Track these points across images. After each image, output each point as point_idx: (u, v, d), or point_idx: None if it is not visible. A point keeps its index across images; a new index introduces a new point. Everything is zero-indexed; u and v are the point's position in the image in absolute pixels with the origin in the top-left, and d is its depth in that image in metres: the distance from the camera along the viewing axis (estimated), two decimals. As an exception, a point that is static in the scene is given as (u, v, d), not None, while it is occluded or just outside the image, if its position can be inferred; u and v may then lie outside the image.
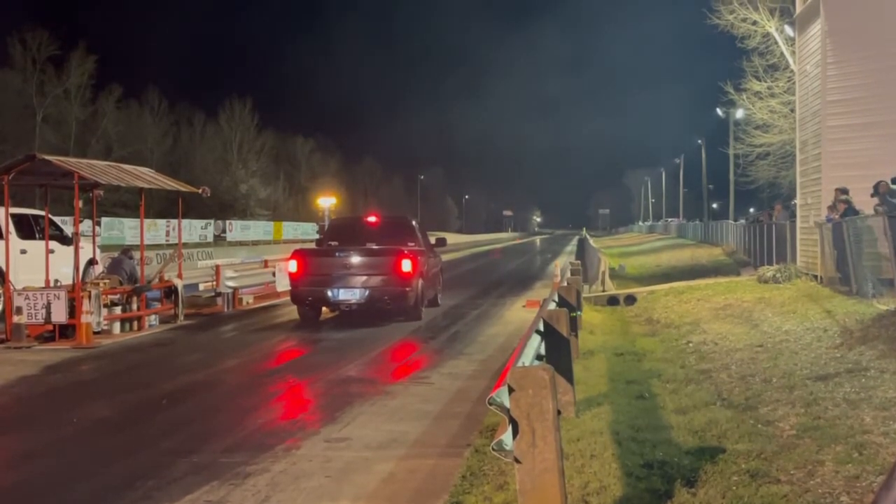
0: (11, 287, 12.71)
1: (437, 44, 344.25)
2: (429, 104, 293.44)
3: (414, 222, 16.91)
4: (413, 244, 15.34)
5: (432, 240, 17.91)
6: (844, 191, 13.85)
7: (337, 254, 14.31)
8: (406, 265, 13.95)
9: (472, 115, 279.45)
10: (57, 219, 20.89)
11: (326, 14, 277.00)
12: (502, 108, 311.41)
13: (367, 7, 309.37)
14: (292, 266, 14.26)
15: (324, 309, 14.93)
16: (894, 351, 7.98)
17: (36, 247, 15.26)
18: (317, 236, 33.98)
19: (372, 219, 16.66)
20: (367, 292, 13.88)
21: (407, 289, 13.96)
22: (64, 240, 16.52)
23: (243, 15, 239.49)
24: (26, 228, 15.79)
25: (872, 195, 13.06)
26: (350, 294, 13.93)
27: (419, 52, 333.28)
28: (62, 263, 15.19)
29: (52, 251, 14.99)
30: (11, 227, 15.07)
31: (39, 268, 14.02)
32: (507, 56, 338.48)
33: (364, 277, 13.96)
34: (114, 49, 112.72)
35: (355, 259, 14.08)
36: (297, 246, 31.57)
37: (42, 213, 16.19)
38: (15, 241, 14.98)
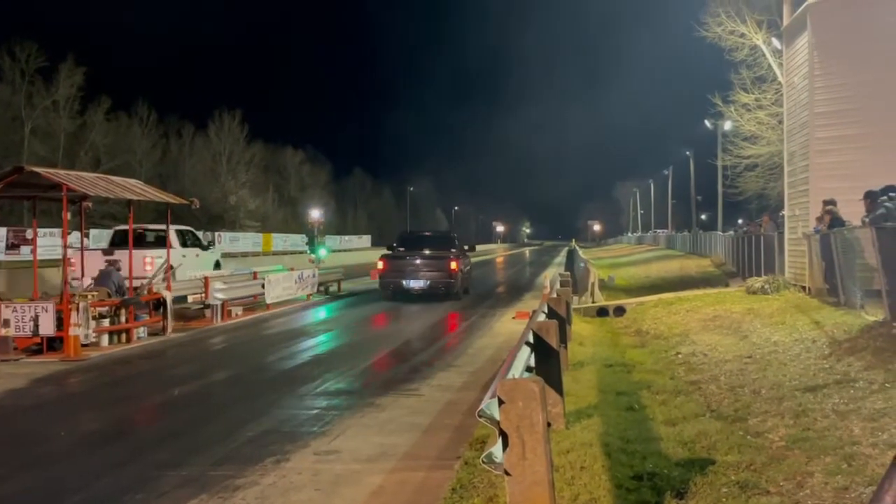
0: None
1: (425, 54, 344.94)
2: (419, 116, 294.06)
3: (453, 235, 25.01)
4: (455, 250, 22.17)
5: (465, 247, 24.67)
6: (832, 202, 13.91)
7: (407, 257, 21.45)
8: (453, 265, 21.00)
9: (461, 126, 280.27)
10: (46, 230, 27.10)
11: (317, 23, 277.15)
12: (491, 119, 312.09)
13: (361, 14, 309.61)
14: (380, 265, 21.39)
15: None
16: (882, 362, 8.00)
17: (189, 253, 21.20)
18: (306, 248, 42.92)
19: (427, 233, 25.49)
20: (428, 282, 20.87)
21: (453, 280, 21.02)
22: (204, 247, 23.06)
23: (231, 26, 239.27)
24: (183, 239, 21.49)
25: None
26: (417, 283, 20.91)
27: (408, 62, 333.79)
28: (199, 266, 21.01)
29: (196, 256, 21.59)
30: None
31: (192, 270, 19.62)
32: (498, 67, 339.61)
33: (426, 272, 20.96)
34: (103, 61, 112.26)
35: (419, 261, 21.25)
36: (287, 258, 42.55)
37: (190, 228, 23.03)
38: (178, 249, 19.87)
